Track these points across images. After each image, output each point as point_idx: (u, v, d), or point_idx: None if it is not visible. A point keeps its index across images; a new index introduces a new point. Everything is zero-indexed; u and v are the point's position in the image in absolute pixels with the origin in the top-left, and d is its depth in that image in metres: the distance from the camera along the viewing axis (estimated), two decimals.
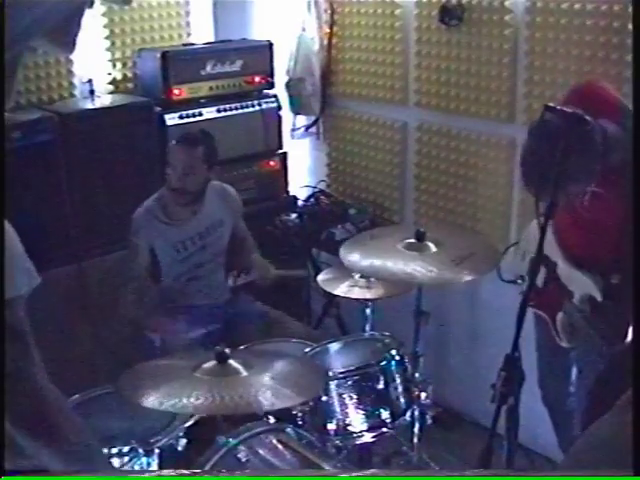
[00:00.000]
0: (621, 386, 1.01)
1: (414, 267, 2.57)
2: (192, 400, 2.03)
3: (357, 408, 2.49)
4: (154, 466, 2.26)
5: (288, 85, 3.86)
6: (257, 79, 3.74)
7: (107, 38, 3.58)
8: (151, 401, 2.03)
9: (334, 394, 2.48)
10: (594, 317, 2.31)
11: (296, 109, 3.93)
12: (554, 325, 2.44)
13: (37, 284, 1.56)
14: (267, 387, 2.10)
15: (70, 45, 1.25)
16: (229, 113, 3.65)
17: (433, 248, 2.68)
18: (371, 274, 2.89)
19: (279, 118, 3.84)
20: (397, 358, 2.59)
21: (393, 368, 2.56)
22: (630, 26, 2.58)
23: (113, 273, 3.18)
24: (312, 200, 3.93)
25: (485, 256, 2.70)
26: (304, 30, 3.76)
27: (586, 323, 2.33)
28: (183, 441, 2.35)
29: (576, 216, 2.28)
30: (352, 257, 2.69)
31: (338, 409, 2.49)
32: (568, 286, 2.38)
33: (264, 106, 3.76)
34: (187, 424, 2.36)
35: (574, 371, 2.61)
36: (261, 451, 2.21)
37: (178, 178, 3.01)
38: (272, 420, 2.37)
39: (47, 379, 1.54)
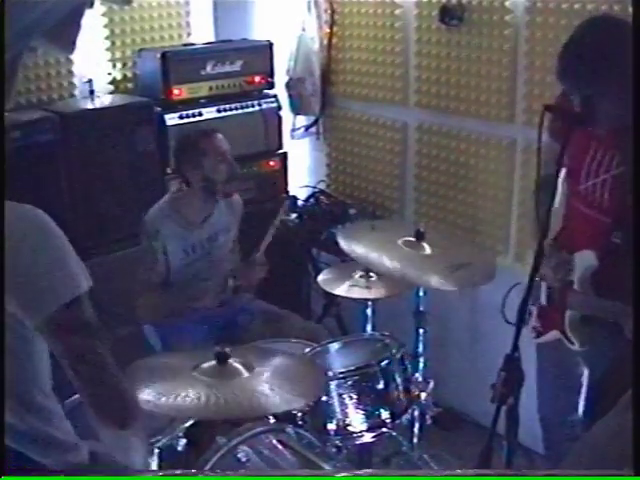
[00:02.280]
0: (623, 386, 1.01)
1: (408, 265, 2.58)
2: (189, 401, 2.02)
3: (357, 408, 2.49)
4: (154, 466, 2.26)
5: (288, 85, 3.87)
6: (257, 79, 3.74)
7: (107, 38, 3.58)
8: (148, 403, 2.03)
9: (334, 394, 2.48)
10: (597, 286, 2.27)
11: (296, 109, 3.93)
12: (565, 335, 2.38)
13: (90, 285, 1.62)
14: (268, 389, 2.10)
15: (70, 45, 1.25)
16: (229, 113, 3.65)
17: (430, 250, 2.68)
18: (364, 264, 2.89)
19: (279, 118, 3.84)
20: (397, 358, 2.59)
21: (393, 368, 2.56)
22: None
23: (114, 273, 3.18)
24: (312, 200, 3.93)
25: (481, 268, 2.70)
26: (304, 30, 3.76)
27: (590, 304, 2.29)
28: (183, 441, 2.35)
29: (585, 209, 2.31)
30: (349, 243, 2.70)
31: (338, 409, 2.48)
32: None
33: (264, 106, 3.76)
34: (187, 424, 2.36)
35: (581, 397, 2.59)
36: (261, 451, 2.21)
37: (229, 165, 2.97)
38: (272, 420, 2.36)
39: (117, 366, 1.63)
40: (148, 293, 2.94)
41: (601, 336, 2.30)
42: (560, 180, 2.15)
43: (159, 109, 3.46)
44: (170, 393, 2.04)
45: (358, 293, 3.05)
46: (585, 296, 2.30)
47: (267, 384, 2.12)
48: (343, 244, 2.72)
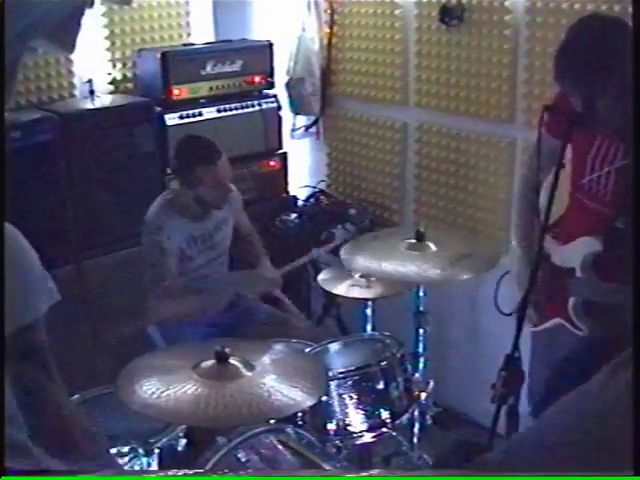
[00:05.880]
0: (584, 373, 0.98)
1: (410, 267, 2.59)
2: (188, 407, 2.02)
3: (357, 408, 2.49)
4: (154, 466, 2.26)
5: (288, 85, 3.87)
6: (257, 79, 3.74)
7: (107, 38, 3.57)
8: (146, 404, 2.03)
9: (334, 394, 2.48)
10: (600, 271, 2.26)
11: (296, 109, 3.93)
12: (571, 322, 2.35)
13: (57, 300, 1.52)
14: (272, 391, 2.10)
15: (70, 45, 1.25)
16: (229, 113, 3.65)
17: (433, 248, 2.69)
18: (368, 274, 2.90)
19: (279, 118, 3.84)
20: (397, 358, 2.59)
21: (393, 368, 2.56)
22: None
23: (114, 273, 3.18)
24: (312, 200, 3.93)
25: (483, 257, 2.70)
26: (304, 30, 3.76)
27: (594, 289, 2.28)
28: (183, 441, 2.35)
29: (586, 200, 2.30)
30: (351, 256, 2.71)
31: (338, 409, 2.49)
32: (567, 265, 2.34)
33: (264, 106, 3.76)
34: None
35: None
36: (261, 451, 2.21)
37: (224, 189, 2.97)
38: (272, 420, 2.36)
39: (66, 395, 1.52)
40: (158, 295, 2.91)
41: (607, 319, 2.27)
42: (551, 176, 2.15)
43: (159, 109, 3.46)
44: (168, 394, 2.04)
45: (358, 293, 3.05)
46: (588, 281, 2.28)
47: (267, 387, 2.12)
48: (347, 262, 2.72)
